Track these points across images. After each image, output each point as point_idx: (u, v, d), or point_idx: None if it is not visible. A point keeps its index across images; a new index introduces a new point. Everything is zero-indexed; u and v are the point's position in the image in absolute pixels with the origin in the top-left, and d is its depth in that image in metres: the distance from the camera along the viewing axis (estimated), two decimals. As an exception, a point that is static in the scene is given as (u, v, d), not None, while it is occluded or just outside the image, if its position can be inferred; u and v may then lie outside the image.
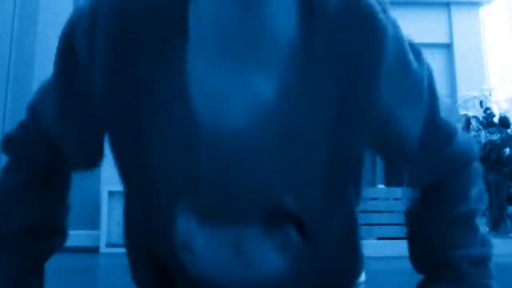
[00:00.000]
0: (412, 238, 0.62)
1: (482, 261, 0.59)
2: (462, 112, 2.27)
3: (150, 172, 0.49)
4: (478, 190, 0.61)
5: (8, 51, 2.53)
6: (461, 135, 0.59)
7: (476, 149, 0.63)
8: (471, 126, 2.20)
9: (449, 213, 0.59)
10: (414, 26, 2.60)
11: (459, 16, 2.52)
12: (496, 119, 2.23)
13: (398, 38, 0.51)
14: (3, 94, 2.49)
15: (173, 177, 0.49)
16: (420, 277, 0.62)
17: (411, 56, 0.52)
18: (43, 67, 2.57)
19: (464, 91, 2.37)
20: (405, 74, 0.51)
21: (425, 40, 2.54)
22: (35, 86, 2.18)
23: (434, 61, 2.49)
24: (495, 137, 2.16)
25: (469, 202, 0.60)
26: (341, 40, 0.47)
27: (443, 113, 0.56)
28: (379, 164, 2.51)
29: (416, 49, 0.54)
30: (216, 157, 0.47)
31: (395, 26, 0.52)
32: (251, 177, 0.49)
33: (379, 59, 0.48)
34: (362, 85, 0.48)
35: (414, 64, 0.52)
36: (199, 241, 0.52)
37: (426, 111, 0.53)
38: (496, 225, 2.19)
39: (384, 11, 0.52)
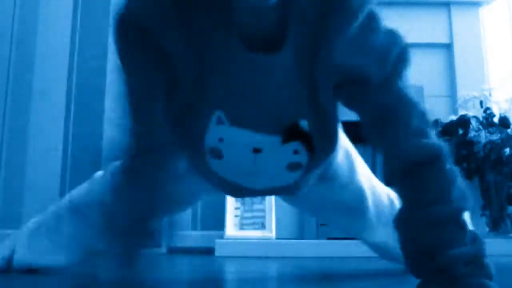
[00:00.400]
0: (402, 243, 0.64)
1: (476, 259, 0.59)
2: (462, 112, 2.27)
3: (196, 83, 0.65)
4: (459, 189, 0.64)
5: (8, 51, 2.53)
6: (432, 133, 0.69)
7: (449, 152, 0.69)
8: (471, 126, 2.20)
9: (431, 213, 0.61)
10: (414, 26, 2.61)
11: (459, 16, 2.52)
12: (496, 119, 2.23)
13: (369, 15, 0.63)
14: (3, 94, 2.49)
15: (214, 88, 0.65)
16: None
17: (378, 32, 0.64)
18: (43, 67, 2.58)
19: (464, 91, 2.36)
20: (368, 42, 0.64)
21: (425, 40, 2.53)
22: (35, 86, 2.22)
23: (434, 61, 2.50)
24: (495, 137, 2.16)
25: (451, 201, 0.62)
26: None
27: (410, 98, 0.67)
28: (379, 164, 2.51)
29: (390, 33, 0.66)
30: (249, 78, 0.64)
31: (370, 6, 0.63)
32: (275, 99, 0.66)
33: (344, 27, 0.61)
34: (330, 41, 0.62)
35: (380, 37, 0.64)
36: (225, 146, 0.69)
37: (386, 73, 0.65)
38: (496, 225, 2.19)
39: None
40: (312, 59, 0.63)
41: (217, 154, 0.71)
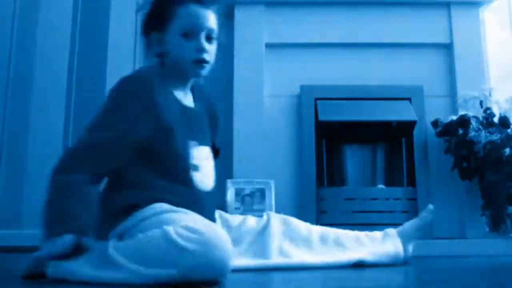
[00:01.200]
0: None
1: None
2: (462, 112, 2.27)
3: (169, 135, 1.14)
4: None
5: (8, 51, 2.53)
6: None
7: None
8: (471, 126, 2.20)
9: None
10: (414, 26, 2.61)
11: (459, 16, 2.52)
12: (496, 119, 2.23)
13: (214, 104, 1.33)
14: (3, 94, 2.49)
15: (181, 132, 1.15)
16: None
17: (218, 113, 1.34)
18: (43, 67, 2.58)
19: (464, 91, 2.36)
20: (218, 115, 1.33)
21: (425, 40, 2.54)
22: (35, 86, 2.22)
23: (434, 61, 2.50)
24: (495, 137, 2.16)
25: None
26: (208, 107, 1.29)
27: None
28: (379, 164, 2.52)
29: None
30: (191, 121, 1.20)
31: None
32: (203, 131, 1.24)
33: (215, 110, 1.32)
34: (214, 117, 1.30)
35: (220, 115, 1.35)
36: (199, 161, 1.17)
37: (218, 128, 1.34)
38: (496, 225, 2.19)
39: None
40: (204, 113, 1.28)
41: (196, 168, 1.17)
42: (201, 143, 1.20)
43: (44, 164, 2.41)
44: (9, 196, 2.40)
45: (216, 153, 1.28)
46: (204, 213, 1.12)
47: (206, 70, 1.19)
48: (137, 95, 1.09)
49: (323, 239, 1.35)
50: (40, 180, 2.47)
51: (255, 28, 2.50)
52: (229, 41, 2.51)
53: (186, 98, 1.23)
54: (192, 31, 1.16)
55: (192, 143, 1.17)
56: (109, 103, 1.10)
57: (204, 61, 1.17)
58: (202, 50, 1.16)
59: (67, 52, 2.54)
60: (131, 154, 1.10)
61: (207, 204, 1.19)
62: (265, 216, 1.36)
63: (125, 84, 1.11)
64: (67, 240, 0.96)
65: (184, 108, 1.19)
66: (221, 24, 1.23)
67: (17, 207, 2.38)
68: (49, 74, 2.50)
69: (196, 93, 1.28)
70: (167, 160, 1.12)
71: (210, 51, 1.18)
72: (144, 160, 1.11)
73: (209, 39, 1.18)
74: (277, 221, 1.35)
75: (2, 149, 2.46)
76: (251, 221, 1.36)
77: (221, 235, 0.92)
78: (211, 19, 1.19)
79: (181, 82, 1.22)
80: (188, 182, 1.15)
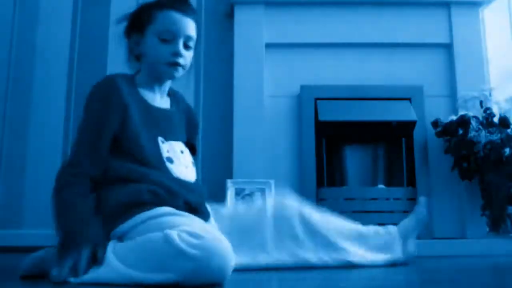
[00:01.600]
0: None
1: None
2: (462, 112, 2.27)
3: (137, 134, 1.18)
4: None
5: (8, 51, 2.53)
6: None
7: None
8: (471, 126, 2.20)
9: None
10: (414, 26, 2.61)
11: (459, 16, 2.52)
12: (496, 119, 2.23)
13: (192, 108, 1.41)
14: (3, 94, 2.49)
15: (149, 130, 1.21)
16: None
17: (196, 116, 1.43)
18: (43, 67, 2.57)
19: (464, 91, 2.36)
20: (195, 116, 1.41)
21: (425, 40, 2.54)
22: (35, 86, 2.25)
23: (434, 61, 2.50)
24: (495, 137, 2.16)
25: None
26: (184, 110, 1.35)
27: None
28: (380, 164, 2.52)
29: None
30: (159, 120, 1.24)
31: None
32: (175, 129, 1.28)
33: (192, 112, 1.39)
34: (191, 118, 1.37)
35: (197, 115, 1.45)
36: (172, 154, 1.21)
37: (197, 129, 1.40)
38: (496, 225, 2.19)
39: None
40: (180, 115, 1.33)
41: (170, 160, 1.20)
42: (170, 138, 1.23)
43: (44, 164, 2.42)
44: (9, 196, 2.40)
45: (192, 149, 1.32)
46: (193, 204, 1.16)
47: (179, 73, 1.24)
48: (105, 94, 1.15)
49: (323, 236, 1.36)
50: (40, 180, 2.48)
51: (255, 28, 2.50)
52: (229, 41, 2.52)
53: (160, 99, 1.28)
54: (171, 36, 1.21)
55: (159, 138, 1.20)
56: (84, 109, 1.17)
57: (178, 65, 1.21)
58: (178, 54, 1.20)
59: (67, 52, 2.54)
60: (112, 150, 1.14)
61: (194, 194, 1.19)
62: (258, 202, 1.38)
63: (95, 88, 1.17)
64: (83, 255, 0.98)
65: (149, 106, 1.22)
66: (199, 34, 1.29)
67: (17, 207, 2.38)
68: (49, 74, 2.51)
69: (173, 97, 1.33)
70: (139, 152, 1.15)
71: (186, 56, 1.23)
72: (123, 153, 1.14)
73: (186, 46, 1.23)
74: (272, 210, 1.36)
75: (2, 149, 2.46)
76: (243, 211, 1.38)
77: (222, 241, 0.93)
78: (191, 27, 1.23)
79: (156, 83, 1.26)
80: (166, 172, 1.17)
